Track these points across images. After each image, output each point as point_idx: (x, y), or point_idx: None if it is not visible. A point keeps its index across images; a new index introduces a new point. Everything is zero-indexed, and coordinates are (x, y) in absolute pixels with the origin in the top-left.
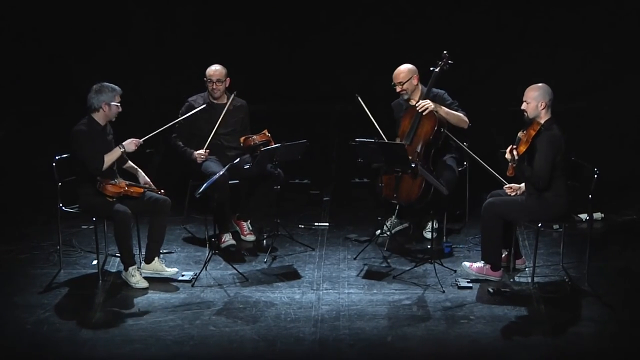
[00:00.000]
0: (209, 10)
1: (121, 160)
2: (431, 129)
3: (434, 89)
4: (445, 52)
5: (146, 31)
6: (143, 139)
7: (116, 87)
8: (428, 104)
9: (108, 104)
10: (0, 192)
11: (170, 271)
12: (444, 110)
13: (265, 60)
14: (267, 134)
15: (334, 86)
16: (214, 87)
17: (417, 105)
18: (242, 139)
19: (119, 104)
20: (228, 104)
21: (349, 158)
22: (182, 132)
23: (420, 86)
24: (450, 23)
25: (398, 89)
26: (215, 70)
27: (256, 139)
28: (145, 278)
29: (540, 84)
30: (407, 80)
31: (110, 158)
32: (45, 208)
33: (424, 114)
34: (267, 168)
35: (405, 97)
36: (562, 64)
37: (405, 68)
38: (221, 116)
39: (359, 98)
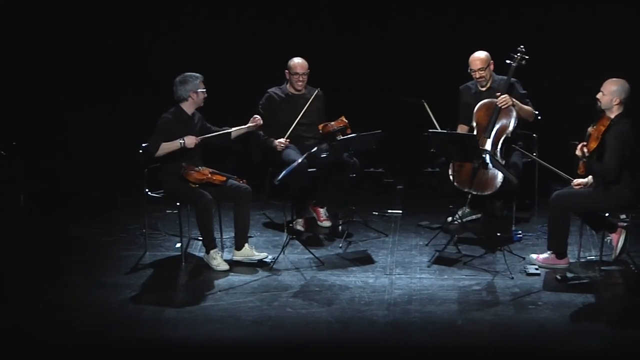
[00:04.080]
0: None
1: (222, 139)
2: (510, 124)
3: (505, 77)
4: (521, 46)
5: (224, 21)
6: (200, 137)
7: (197, 74)
8: (508, 99)
9: (195, 92)
10: (89, 178)
11: (260, 255)
12: (518, 105)
13: (342, 51)
14: (344, 119)
15: (410, 78)
16: (299, 79)
17: (497, 101)
18: (320, 126)
19: (204, 90)
20: (312, 97)
21: (422, 148)
22: (263, 123)
23: (492, 73)
24: (521, 15)
25: (477, 75)
26: (299, 63)
27: (334, 125)
28: (227, 261)
29: (619, 80)
30: (487, 67)
31: (167, 147)
32: (132, 193)
33: (502, 107)
34: (343, 157)
35: (483, 83)
36: (629, 55)
37: (483, 55)
38: (305, 107)
39: (425, 104)
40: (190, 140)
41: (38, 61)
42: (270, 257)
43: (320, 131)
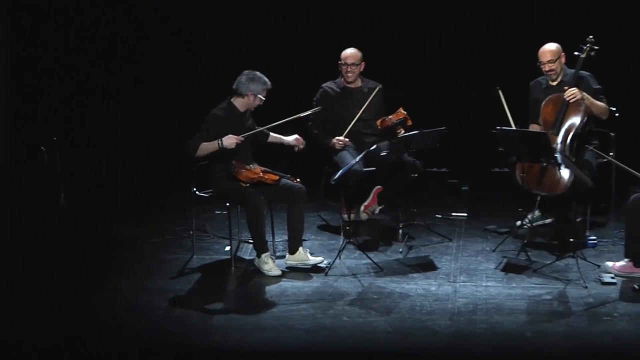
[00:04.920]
0: None
1: (259, 137)
2: (580, 119)
3: (581, 71)
4: (590, 36)
5: (275, 13)
6: (242, 135)
7: (268, 81)
8: (577, 92)
9: (255, 95)
10: (133, 177)
11: (315, 260)
12: (589, 100)
13: (404, 46)
14: (403, 111)
15: (476, 73)
16: (349, 69)
17: (565, 94)
18: (378, 121)
19: (263, 99)
20: (374, 92)
21: (489, 146)
22: (318, 120)
23: (564, 67)
24: (598, 7)
25: (546, 67)
26: (350, 53)
27: (392, 118)
28: (288, 268)
29: None
30: (557, 59)
31: (206, 147)
32: (178, 193)
33: (571, 101)
34: (404, 157)
35: (554, 76)
36: None
37: (553, 47)
38: (367, 102)
39: (500, 92)
40: (229, 141)
41: (84, 54)
42: (325, 262)
43: (379, 127)
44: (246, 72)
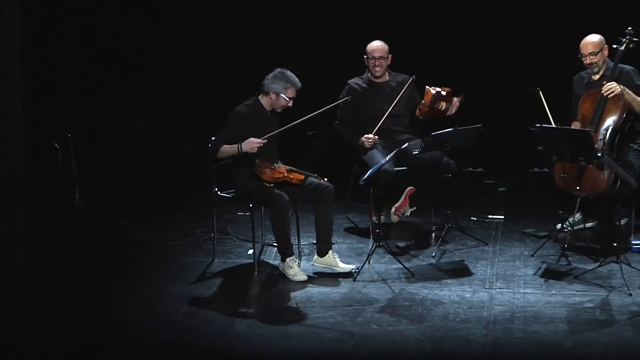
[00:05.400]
0: None
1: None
2: (619, 115)
3: (621, 65)
4: (629, 28)
5: (307, 10)
6: (264, 137)
7: (295, 80)
8: (615, 86)
9: (276, 94)
10: (152, 176)
11: (345, 267)
12: (630, 95)
13: (438, 40)
14: (430, 88)
15: (513, 69)
16: (377, 63)
17: (602, 88)
18: (417, 112)
19: (289, 99)
20: (407, 84)
21: (528, 145)
22: (345, 118)
23: (607, 60)
24: None
25: (588, 60)
26: (377, 46)
27: (426, 102)
28: (315, 273)
29: None
30: (599, 51)
31: (226, 151)
32: (199, 193)
33: (609, 97)
34: (436, 156)
35: (595, 69)
36: None
37: (596, 38)
38: (400, 94)
39: (540, 92)
40: (249, 146)
41: (100, 49)
42: (354, 267)
43: (420, 116)
44: (277, 69)
